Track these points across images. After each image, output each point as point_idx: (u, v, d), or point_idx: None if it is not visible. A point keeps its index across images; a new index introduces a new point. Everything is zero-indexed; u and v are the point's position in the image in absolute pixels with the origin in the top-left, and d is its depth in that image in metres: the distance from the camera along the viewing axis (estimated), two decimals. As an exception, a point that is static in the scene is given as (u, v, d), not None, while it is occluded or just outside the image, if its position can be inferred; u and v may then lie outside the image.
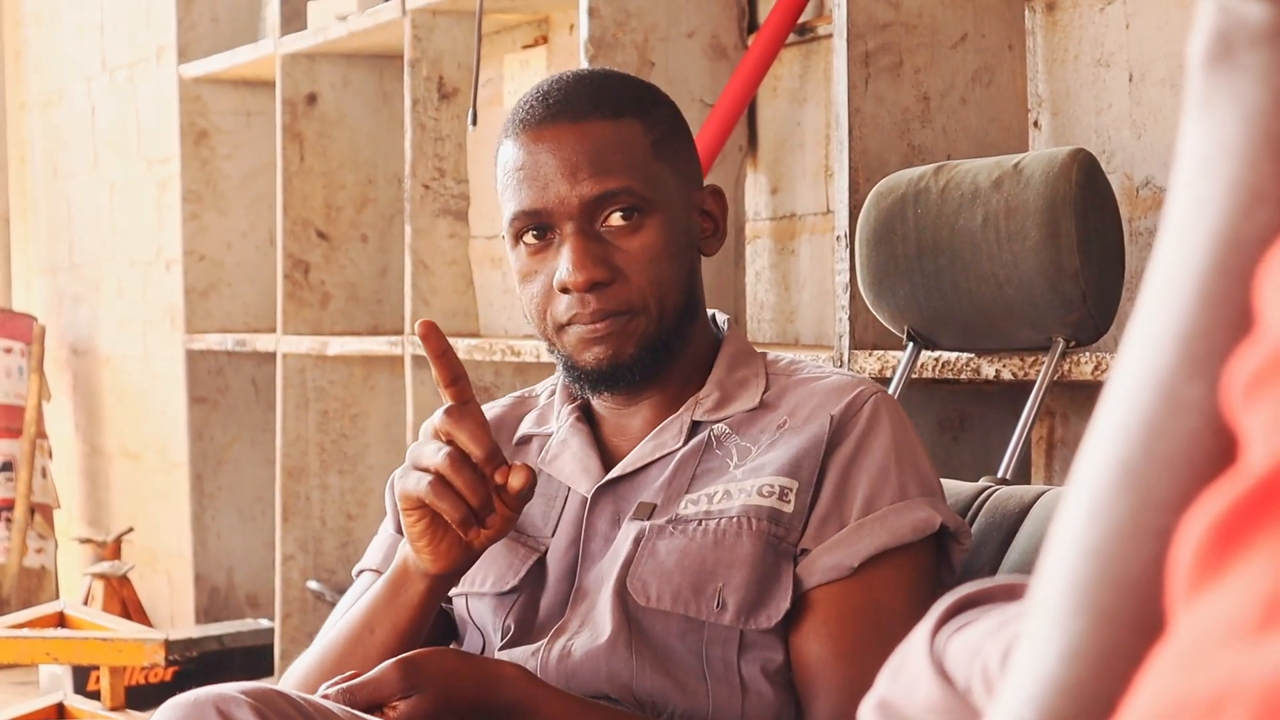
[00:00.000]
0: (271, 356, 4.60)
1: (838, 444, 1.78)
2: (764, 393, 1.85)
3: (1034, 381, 2.33)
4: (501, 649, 1.82)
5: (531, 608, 1.84)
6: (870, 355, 2.60)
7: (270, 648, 4.51)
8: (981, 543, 1.93)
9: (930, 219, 2.33)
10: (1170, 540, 0.56)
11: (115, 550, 5.34)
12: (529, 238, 1.81)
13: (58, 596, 5.50)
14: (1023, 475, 2.51)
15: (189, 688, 1.67)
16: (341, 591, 3.99)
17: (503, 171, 1.83)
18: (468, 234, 3.93)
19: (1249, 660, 0.48)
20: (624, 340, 1.80)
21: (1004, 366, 2.41)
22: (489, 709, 1.66)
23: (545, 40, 3.91)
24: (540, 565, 1.85)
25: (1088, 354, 2.31)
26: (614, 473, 1.84)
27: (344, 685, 1.62)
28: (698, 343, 1.88)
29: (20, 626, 4.10)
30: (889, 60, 2.68)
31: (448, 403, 1.71)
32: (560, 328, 1.81)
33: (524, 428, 1.96)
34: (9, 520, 5.55)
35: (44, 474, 5.66)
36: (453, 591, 1.87)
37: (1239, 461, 0.54)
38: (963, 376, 2.48)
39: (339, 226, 4.43)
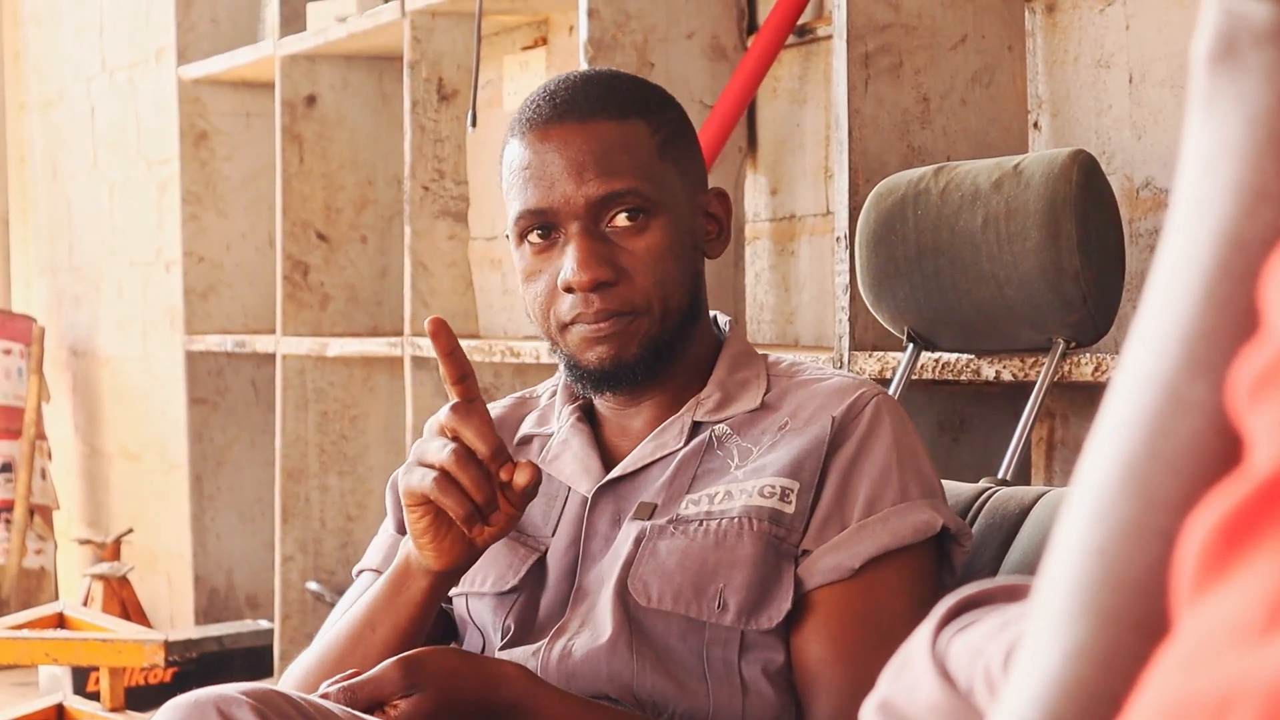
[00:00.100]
0: (271, 358, 4.60)
1: (839, 445, 1.79)
2: (765, 394, 1.85)
3: (1034, 382, 2.33)
4: (502, 649, 1.82)
5: (531, 607, 1.84)
6: (870, 356, 2.60)
7: (270, 649, 4.51)
8: (982, 544, 1.93)
9: (930, 220, 2.33)
10: (1175, 541, 0.56)
11: (115, 551, 5.34)
12: (533, 237, 1.81)
13: (57, 597, 5.49)
14: (1023, 476, 2.51)
15: (188, 689, 1.67)
16: (341, 592, 3.99)
17: (508, 170, 1.83)
18: (467, 235, 3.93)
19: (1254, 661, 0.48)
20: (627, 340, 1.80)
21: (1004, 367, 2.41)
22: (490, 708, 1.66)
23: (545, 41, 3.90)
24: (540, 565, 1.85)
25: (1088, 355, 2.31)
26: (615, 472, 1.84)
27: (344, 684, 1.62)
28: (700, 344, 1.88)
29: (20, 627, 4.10)
30: (889, 61, 2.67)
31: (454, 399, 1.71)
32: (563, 327, 1.81)
33: (525, 428, 1.96)
34: (8, 521, 5.55)
35: (43, 475, 5.65)
36: (453, 591, 1.87)
37: (1244, 463, 0.54)
38: (963, 377, 2.48)
39: (338, 228, 4.43)
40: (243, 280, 4.90)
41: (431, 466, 1.70)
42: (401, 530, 1.92)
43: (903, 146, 2.68)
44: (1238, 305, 0.56)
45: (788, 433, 1.81)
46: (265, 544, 4.81)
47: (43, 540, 5.64)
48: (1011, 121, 2.75)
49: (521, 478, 1.69)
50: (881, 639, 1.69)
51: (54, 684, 4.55)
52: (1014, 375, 2.39)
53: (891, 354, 2.57)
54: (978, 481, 2.10)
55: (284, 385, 4.36)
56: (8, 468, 5.57)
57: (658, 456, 1.84)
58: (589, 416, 1.92)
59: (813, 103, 3.21)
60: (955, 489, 2.01)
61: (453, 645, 1.90)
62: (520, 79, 3.93)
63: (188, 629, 4.76)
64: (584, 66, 3.11)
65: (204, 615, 4.92)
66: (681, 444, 1.83)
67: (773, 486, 1.77)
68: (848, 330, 2.64)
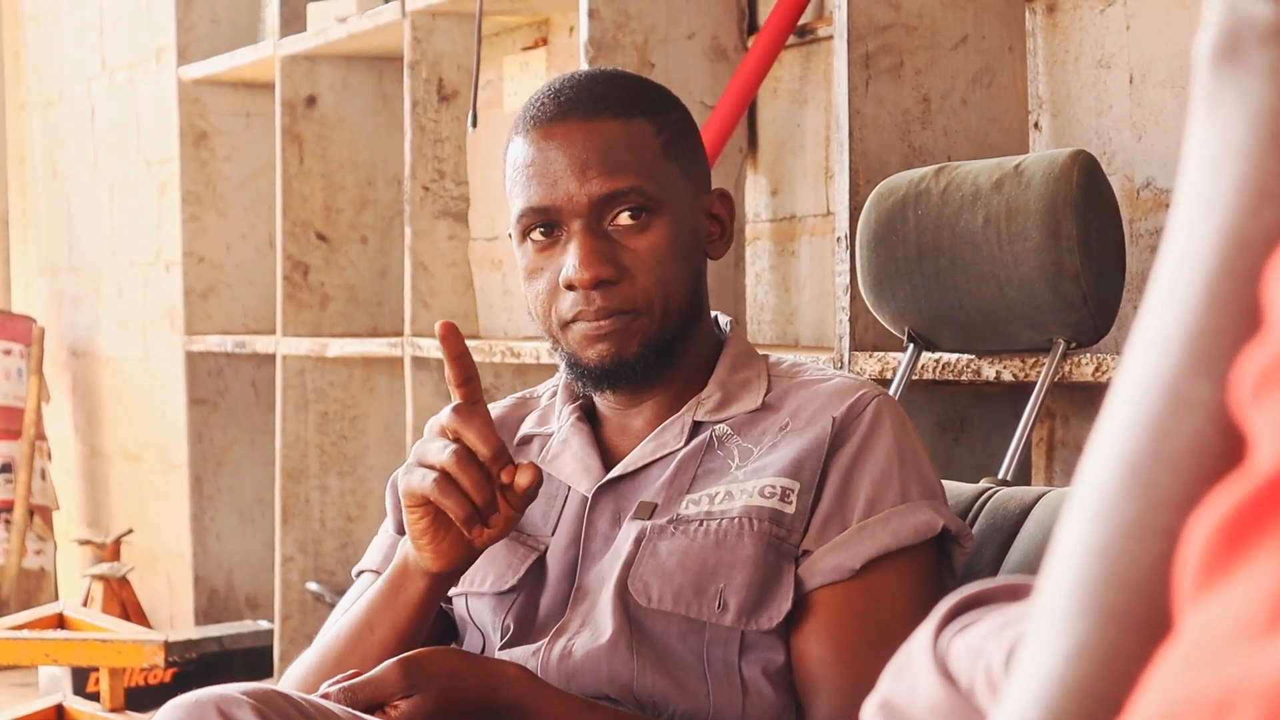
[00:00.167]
0: (271, 358, 4.60)
1: (840, 446, 1.78)
2: (766, 394, 1.85)
3: (1034, 383, 2.33)
4: (501, 649, 1.82)
5: (531, 607, 1.84)
6: (871, 356, 2.60)
7: (270, 649, 4.51)
8: (982, 544, 1.93)
9: (931, 220, 2.33)
10: (1177, 540, 0.56)
11: (114, 552, 5.34)
12: (536, 234, 1.81)
13: (57, 598, 5.49)
14: (1023, 476, 2.51)
15: (188, 689, 1.67)
16: (341, 593, 3.98)
17: (512, 168, 1.83)
18: (467, 236, 3.93)
19: (1256, 660, 0.48)
20: (627, 339, 1.80)
21: (1004, 368, 2.41)
22: (490, 709, 1.66)
23: (545, 42, 3.90)
24: (540, 564, 1.85)
25: (1088, 355, 2.31)
26: (615, 472, 1.84)
27: (345, 684, 1.62)
28: (701, 344, 1.88)
29: (20, 628, 4.10)
30: (889, 62, 2.67)
31: (457, 401, 1.71)
32: (564, 325, 1.81)
33: (525, 428, 1.96)
34: (8, 522, 5.55)
35: (43, 476, 5.65)
36: (452, 591, 1.87)
37: (1246, 461, 0.54)
38: (963, 378, 2.48)
39: (338, 228, 4.43)
40: (243, 280, 4.90)
41: (432, 467, 1.70)
42: (401, 531, 1.92)
43: (903, 147, 2.68)
44: (1240, 304, 0.56)
45: (788, 433, 1.81)
46: (265, 544, 4.81)
47: (42, 541, 5.64)
48: (1012, 122, 2.75)
49: (523, 479, 1.69)
50: (882, 639, 1.69)
51: (54, 684, 4.55)
52: (1014, 375, 2.39)
53: (892, 354, 2.57)
54: (978, 482, 2.10)
55: (284, 386, 4.36)
56: (7, 468, 5.57)
57: (658, 456, 1.83)
58: (589, 416, 1.92)
59: (813, 103, 3.21)
60: (955, 489, 2.01)
61: (453, 646, 1.90)
62: (520, 79, 3.93)
63: (188, 629, 4.76)
64: (584, 67, 3.11)
65: (204, 616, 4.92)
66: (682, 444, 1.83)
67: (773, 487, 1.77)
68: (848, 330, 2.64)
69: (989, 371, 2.43)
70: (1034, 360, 2.36)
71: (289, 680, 1.83)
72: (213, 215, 4.87)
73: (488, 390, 3.74)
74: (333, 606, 2.41)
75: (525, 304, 1.87)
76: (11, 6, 6.32)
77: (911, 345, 2.46)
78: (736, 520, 1.76)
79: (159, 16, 5.17)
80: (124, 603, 4.94)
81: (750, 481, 1.78)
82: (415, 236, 3.85)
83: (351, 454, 4.43)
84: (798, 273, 3.27)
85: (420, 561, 1.75)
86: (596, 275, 1.77)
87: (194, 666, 4.45)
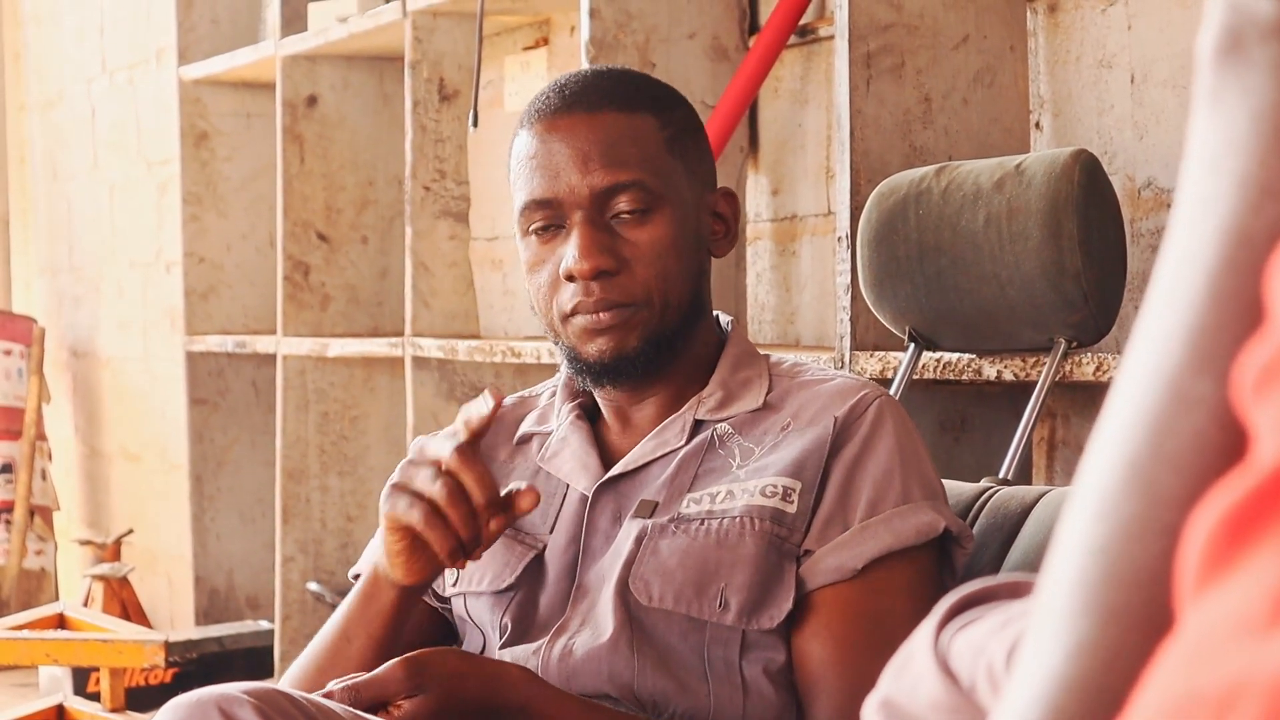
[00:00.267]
0: (272, 358, 4.60)
1: (841, 446, 1.78)
2: (768, 394, 1.85)
3: (1035, 382, 2.33)
4: (502, 648, 1.82)
5: (529, 605, 1.84)
6: (871, 356, 2.60)
7: (270, 649, 4.51)
8: (983, 543, 1.93)
9: (932, 220, 2.33)
10: (1178, 537, 0.56)
11: (115, 552, 5.34)
12: (538, 227, 1.81)
13: (57, 598, 5.49)
14: (1024, 476, 2.51)
15: (189, 689, 1.67)
16: (342, 593, 3.98)
17: (516, 161, 1.83)
18: (468, 236, 3.93)
19: (1258, 656, 0.48)
20: (627, 333, 1.80)
21: (1005, 367, 2.40)
22: (493, 709, 1.65)
23: (546, 42, 3.90)
24: (538, 562, 1.85)
25: (1089, 355, 2.31)
26: (615, 469, 1.84)
27: (348, 684, 1.62)
28: (702, 343, 1.88)
29: (20, 628, 4.10)
30: (890, 61, 2.67)
31: (461, 439, 1.66)
32: (565, 318, 1.81)
33: (524, 426, 1.96)
34: (9, 522, 5.55)
35: (44, 476, 5.65)
36: (450, 591, 1.88)
37: (1247, 457, 0.54)
38: (964, 377, 2.48)
39: (339, 228, 4.43)
40: (243, 281, 4.90)
41: (419, 496, 1.67)
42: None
43: (904, 146, 2.68)
44: (1243, 301, 0.56)
45: (790, 433, 1.81)
46: (266, 545, 4.81)
47: (43, 541, 5.64)
48: (1013, 121, 2.75)
49: (525, 502, 1.65)
50: (883, 640, 1.69)
51: (54, 685, 4.55)
52: (1015, 375, 2.39)
53: (893, 354, 2.57)
54: (979, 481, 2.10)
55: (284, 386, 4.36)
56: (8, 468, 5.57)
57: (659, 454, 1.83)
58: (589, 415, 1.92)
59: (814, 103, 3.21)
60: (956, 489, 2.01)
61: (455, 647, 1.90)
62: (522, 79, 3.92)
63: (188, 629, 4.76)
64: (585, 67, 3.11)
65: (204, 616, 4.92)
66: (683, 442, 1.83)
67: (774, 486, 1.77)
68: (849, 330, 2.64)
69: (990, 371, 2.43)
70: (1035, 360, 2.36)
71: (282, 686, 1.83)
72: (213, 215, 4.87)
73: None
74: (333, 607, 2.41)
75: (528, 300, 1.87)
76: (11, 7, 6.32)
77: (912, 345, 2.46)
78: (738, 519, 1.76)
79: (159, 17, 5.16)
80: (124, 603, 4.94)
81: (752, 481, 1.78)
82: (416, 236, 3.85)
83: (352, 454, 4.43)
84: (799, 272, 3.27)
85: (390, 574, 1.74)
86: (596, 266, 1.77)
87: (194, 667, 4.45)
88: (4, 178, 6.37)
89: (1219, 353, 0.56)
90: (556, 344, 1.86)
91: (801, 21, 3.12)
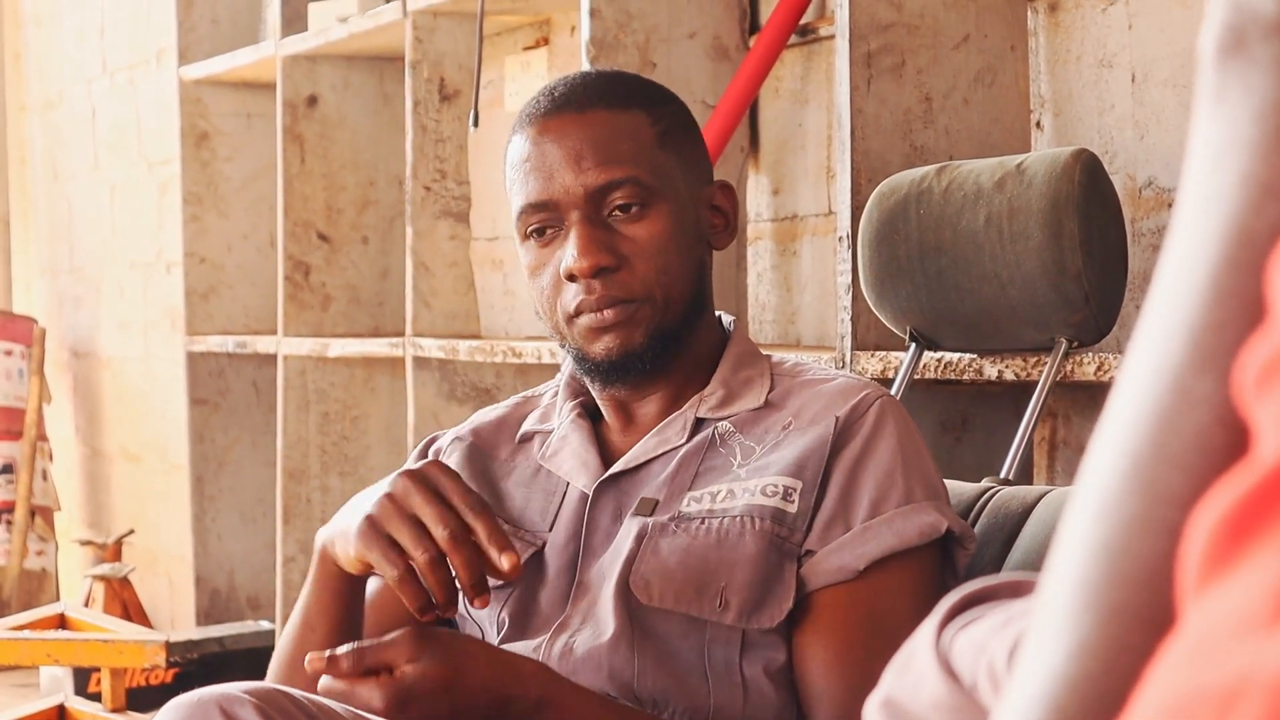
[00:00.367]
0: (272, 358, 4.60)
1: (843, 446, 1.78)
2: (769, 393, 1.85)
3: (1036, 382, 2.33)
4: (500, 644, 1.81)
5: (527, 601, 1.84)
6: (872, 356, 2.60)
7: (271, 649, 4.50)
8: (984, 543, 1.93)
9: (933, 220, 2.33)
10: (1180, 535, 0.56)
11: (116, 552, 5.34)
12: (536, 230, 1.82)
13: (58, 598, 5.50)
14: (1025, 476, 2.51)
15: (190, 689, 1.67)
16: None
17: (510, 167, 1.84)
18: (469, 236, 3.93)
19: (1261, 654, 0.48)
20: (632, 329, 1.80)
21: (1006, 367, 2.40)
22: (505, 700, 1.63)
23: (546, 42, 3.90)
24: (536, 559, 1.85)
25: (1090, 354, 2.31)
26: (616, 467, 1.84)
27: (354, 647, 1.61)
28: (704, 339, 1.88)
29: (21, 628, 4.10)
30: (891, 61, 2.67)
31: (459, 494, 1.67)
32: (570, 319, 1.81)
33: (526, 425, 1.96)
34: (9, 523, 5.55)
35: (44, 476, 5.65)
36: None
37: (1249, 455, 0.54)
38: (965, 377, 2.48)
39: (340, 228, 4.43)
40: (244, 281, 4.90)
41: (399, 551, 1.66)
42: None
43: (905, 146, 2.68)
44: (1245, 299, 0.56)
45: (791, 432, 1.81)
46: (266, 545, 4.81)
47: (44, 541, 5.64)
48: (1014, 121, 2.75)
49: (507, 563, 1.63)
50: (884, 641, 1.69)
51: (55, 685, 4.55)
52: (1016, 375, 2.39)
53: (894, 354, 2.57)
54: (980, 481, 2.10)
55: (285, 386, 4.36)
56: (9, 469, 5.57)
57: (660, 452, 1.84)
58: (590, 413, 1.93)
59: (815, 102, 3.21)
60: (957, 489, 2.01)
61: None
62: (522, 79, 3.92)
63: (189, 630, 4.76)
64: (586, 66, 3.11)
65: (205, 616, 4.92)
66: (684, 440, 1.84)
67: (775, 485, 1.77)
68: (850, 330, 2.64)
69: (991, 371, 2.43)
70: (1036, 360, 2.36)
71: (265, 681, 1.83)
72: (214, 216, 4.87)
73: (489, 390, 3.74)
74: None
75: (532, 304, 1.87)
76: (12, 7, 6.32)
77: (913, 345, 2.46)
78: (738, 519, 1.76)
79: (160, 17, 5.16)
80: (125, 603, 4.94)
81: (752, 480, 1.78)
82: (416, 236, 3.85)
83: (353, 454, 4.43)
84: (799, 272, 3.27)
85: (339, 558, 1.74)
86: (595, 263, 1.78)
87: (195, 667, 4.45)
88: (4, 178, 6.37)
89: (1221, 351, 0.56)
90: (563, 346, 1.86)
91: (802, 21, 3.12)
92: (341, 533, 1.74)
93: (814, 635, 1.74)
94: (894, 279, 2.38)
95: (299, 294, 4.39)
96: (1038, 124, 2.78)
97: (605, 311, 1.79)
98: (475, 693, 1.61)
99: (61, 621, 4.20)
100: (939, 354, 2.48)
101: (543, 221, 1.81)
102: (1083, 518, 0.59)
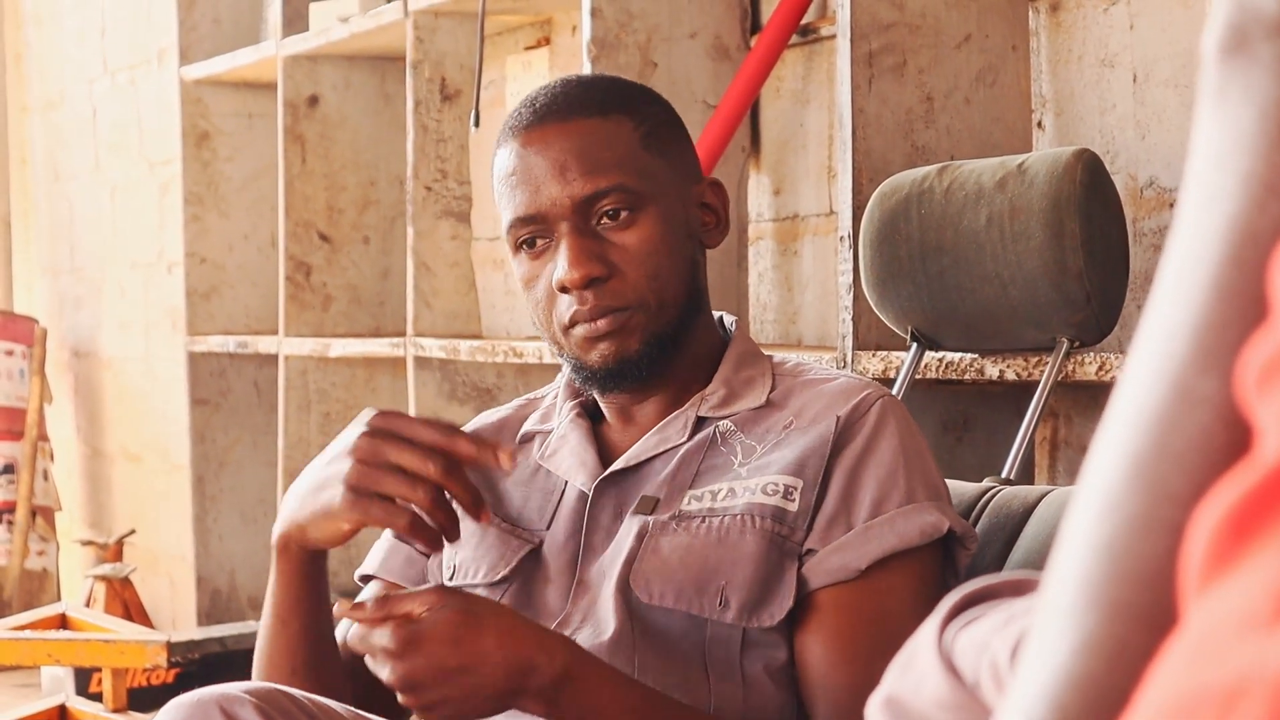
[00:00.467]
0: (273, 358, 4.60)
1: (844, 445, 1.78)
2: (770, 393, 1.85)
3: (1038, 382, 2.33)
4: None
5: (525, 597, 1.84)
6: (874, 356, 2.60)
7: (272, 650, 4.51)
8: (985, 543, 1.93)
9: (934, 219, 2.33)
10: (1183, 534, 0.56)
11: (117, 552, 5.34)
12: (527, 242, 1.82)
13: (59, 599, 5.50)
14: (1026, 476, 2.51)
15: (191, 689, 1.67)
16: (343, 594, 3.98)
17: (498, 180, 1.84)
18: (470, 236, 3.93)
19: (1263, 652, 0.48)
20: (627, 336, 1.80)
21: (1008, 367, 2.40)
22: (525, 670, 1.60)
23: (548, 41, 3.90)
24: (534, 556, 1.85)
25: (1092, 354, 2.31)
26: (617, 465, 1.84)
27: (381, 595, 1.62)
28: (703, 338, 1.88)
29: (22, 628, 4.10)
30: (892, 61, 2.67)
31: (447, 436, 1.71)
32: (565, 330, 1.81)
33: (527, 426, 1.97)
34: (10, 523, 5.55)
35: (45, 476, 5.65)
36: (447, 584, 1.88)
37: (1252, 453, 0.54)
38: (966, 377, 2.48)
39: (341, 228, 4.43)
40: (245, 281, 4.90)
41: (409, 482, 1.68)
42: (399, 537, 1.93)
43: (906, 146, 2.68)
44: (1247, 297, 0.56)
45: (792, 431, 1.81)
46: (267, 545, 4.76)
47: (45, 541, 5.64)
48: (1015, 121, 2.75)
49: (506, 461, 1.68)
50: (885, 641, 1.69)
51: (56, 685, 4.55)
52: (1018, 375, 2.39)
53: (895, 354, 2.57)
54: (981, 481, 2.10)
55: (286, 386, 4.36)
56: (10, 469, 5.57)
57: (660, 450, 1.84)
58: (590, 413, 1.93)
59: (816, 102, 3.21)
60: (959, 488, 2.01)
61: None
62: (523, 79, 3.93)
63: (190, 630, 4.76)
64: (587, 66, 3.12)
65: (206, 616, 4.92)
66: (684, 439, 1.84)
67: (776, 484, 1.77)
68: (851, 330, 2.64)
69: (992, 371, 2.43)
70: (1037, 359, 2.36)
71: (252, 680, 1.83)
72: (215, 216, 4.87)
73: (490, 391, 3.74)
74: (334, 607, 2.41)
75: (530, 316, 1.87)
76: (13, 8, 6.32)
77: (914, 345, 2.46)
78: (739, 517, 1.76)
79: (160, 17, 5.16)
80: (126, 603, 4.94)
81: (753, 479, 1.78)
82: (417, 236, 3.85)
83: (354, 454, 4.42)
84: (800, 272, 3.27)
85: (317, 541, 1.75)
86: (586, 274, 1.77)
87: (196, 667, 4.44)
88: (5, 178, 6.37)
89: (1223, 350, 0.56)
90: (561, 356, 1.86)
91: (803, 21, 3.12)
92: (312, 516, 1.74)
93: (815, 634, 1.75)
94: (895, 279, 2.38)
95: (300, 294, 4.39)
96: (1039, 124, 2.78)
97: (599, 321, 1.79)
98: (488, 650, 1.59)
99: (63, 622, 4.20)
100: (940, 354, 2.48)
101: (533, 234, 1.81)
102: (1085, 517, 0.59)
